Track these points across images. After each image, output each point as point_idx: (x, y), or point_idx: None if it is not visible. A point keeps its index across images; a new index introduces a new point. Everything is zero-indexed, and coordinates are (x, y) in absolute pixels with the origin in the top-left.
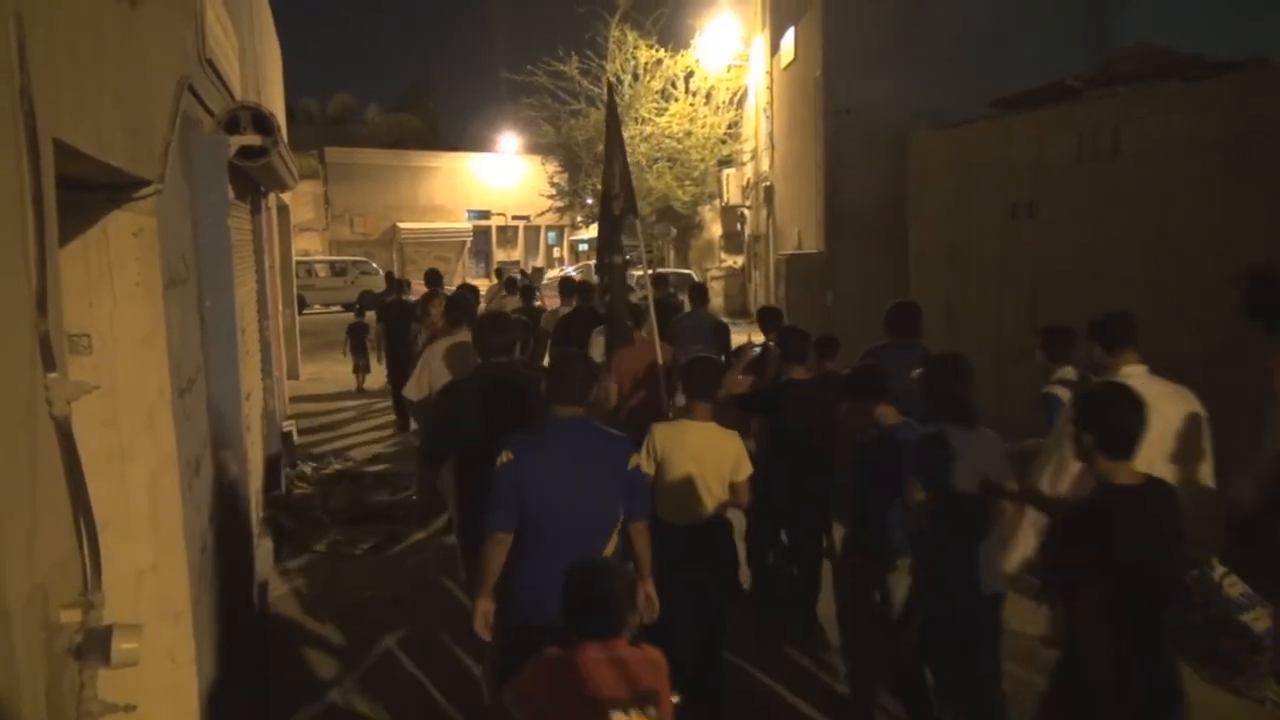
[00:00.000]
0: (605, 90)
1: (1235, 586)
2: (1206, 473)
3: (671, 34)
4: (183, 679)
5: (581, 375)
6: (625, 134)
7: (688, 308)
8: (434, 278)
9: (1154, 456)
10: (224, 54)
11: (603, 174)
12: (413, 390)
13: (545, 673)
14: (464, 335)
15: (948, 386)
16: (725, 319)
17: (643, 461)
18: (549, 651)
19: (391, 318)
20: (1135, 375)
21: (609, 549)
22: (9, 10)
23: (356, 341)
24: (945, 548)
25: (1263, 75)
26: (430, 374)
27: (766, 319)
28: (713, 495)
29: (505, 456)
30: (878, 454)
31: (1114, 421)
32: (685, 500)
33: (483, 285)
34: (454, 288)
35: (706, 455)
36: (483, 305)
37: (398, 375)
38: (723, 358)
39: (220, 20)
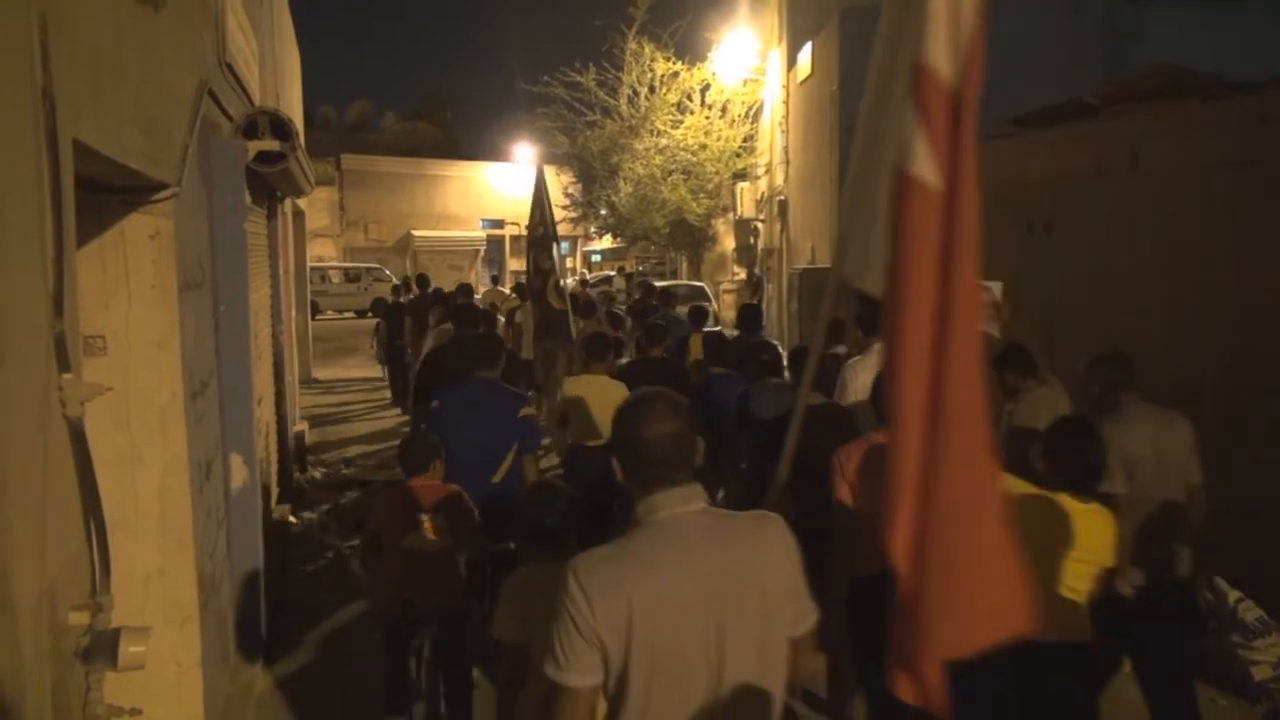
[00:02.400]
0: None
1: (1250, 611)
2: (1201, 493)
3: (688, 47)
4: (189, 683)
5: (494, 349)
6: (640, 145)
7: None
8: (465, 290)
9: (1161, 477)
10: (244, 59)
11: (529, 214)
12: None
13: (388, 496)
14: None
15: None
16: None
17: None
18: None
19: (391, 317)
20: (1131, 404)
21: (500, 474)
22: (33, 11)
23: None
24: None
25: None
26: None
27: (746, 318)
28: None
29: (435, 404)
30: None
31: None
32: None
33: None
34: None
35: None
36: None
37: (394, 363)
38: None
39: (241, 25)
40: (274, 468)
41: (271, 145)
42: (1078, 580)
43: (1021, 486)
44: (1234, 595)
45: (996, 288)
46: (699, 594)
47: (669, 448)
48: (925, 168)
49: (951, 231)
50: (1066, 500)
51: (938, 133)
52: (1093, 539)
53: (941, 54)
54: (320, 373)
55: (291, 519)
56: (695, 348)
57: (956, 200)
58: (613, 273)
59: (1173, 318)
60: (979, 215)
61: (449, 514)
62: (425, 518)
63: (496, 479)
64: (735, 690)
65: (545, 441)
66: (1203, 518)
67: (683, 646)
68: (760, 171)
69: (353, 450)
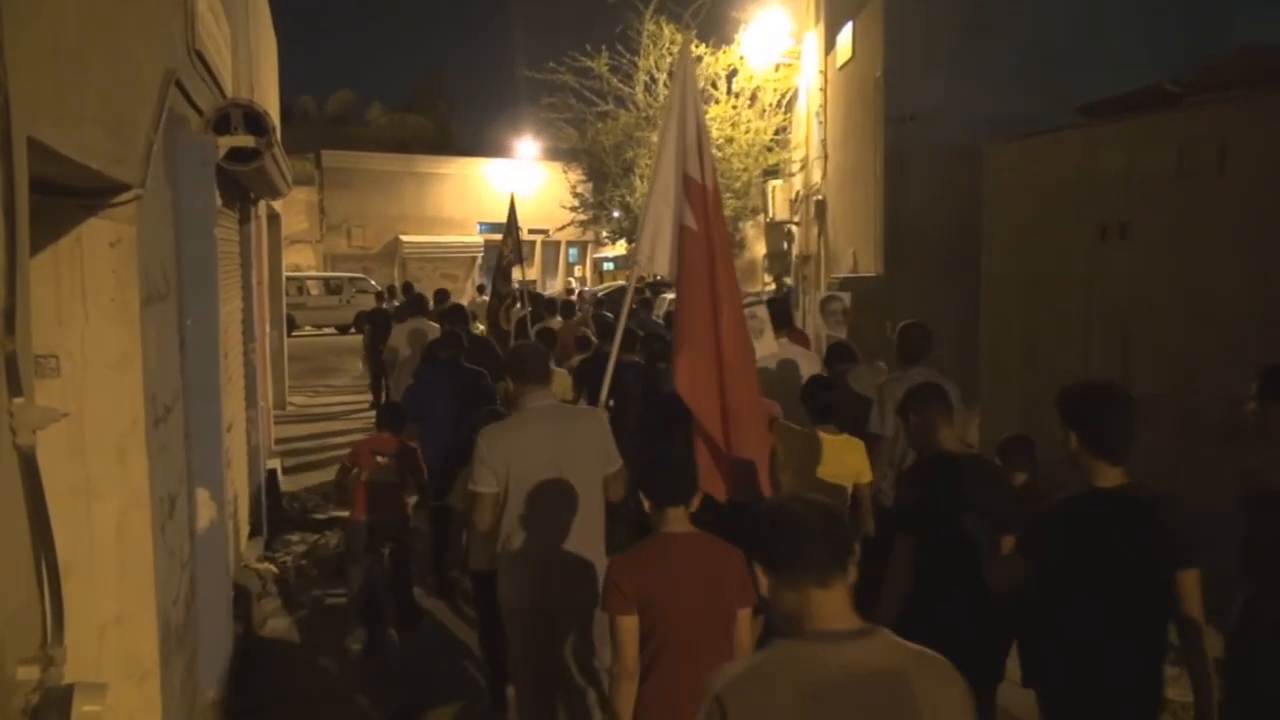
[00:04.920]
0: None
1: None
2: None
3: (713, 28)
4: None
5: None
6: (658, 138)
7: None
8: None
9: None
10: (215, 46)
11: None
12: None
13: (362, 442)
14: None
15: None
16: None
17: None
18: None
19: (376, 324)
20: (916, 371)
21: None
22: None
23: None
24: None
25: None
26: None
27: (776, 311)
28: None
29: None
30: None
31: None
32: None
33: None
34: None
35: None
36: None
37: (378, 370)
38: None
39: (211, 7)
40: (245, 505)
41: (245, 141)
42: (843, 487)
43: (793, 427)
44: None
45: (846, 297)
46: (545, 444)
47: (533, 366)
48: (688, 219)
49: (711, 256)
50: (825, 436)
51: (696, 206)
52: (847, 462)
53: (694, 166)
54: (297, 397)
55: (265, 565)
56: None
57: (710, 238)
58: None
59: (1267, 331)
60: (728, 248)
61: (400, 460)
62: (381, 459)
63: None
64: (571, 496)
65: None
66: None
67: (538, 467)
68: (794, 168)
69: (333, 484)
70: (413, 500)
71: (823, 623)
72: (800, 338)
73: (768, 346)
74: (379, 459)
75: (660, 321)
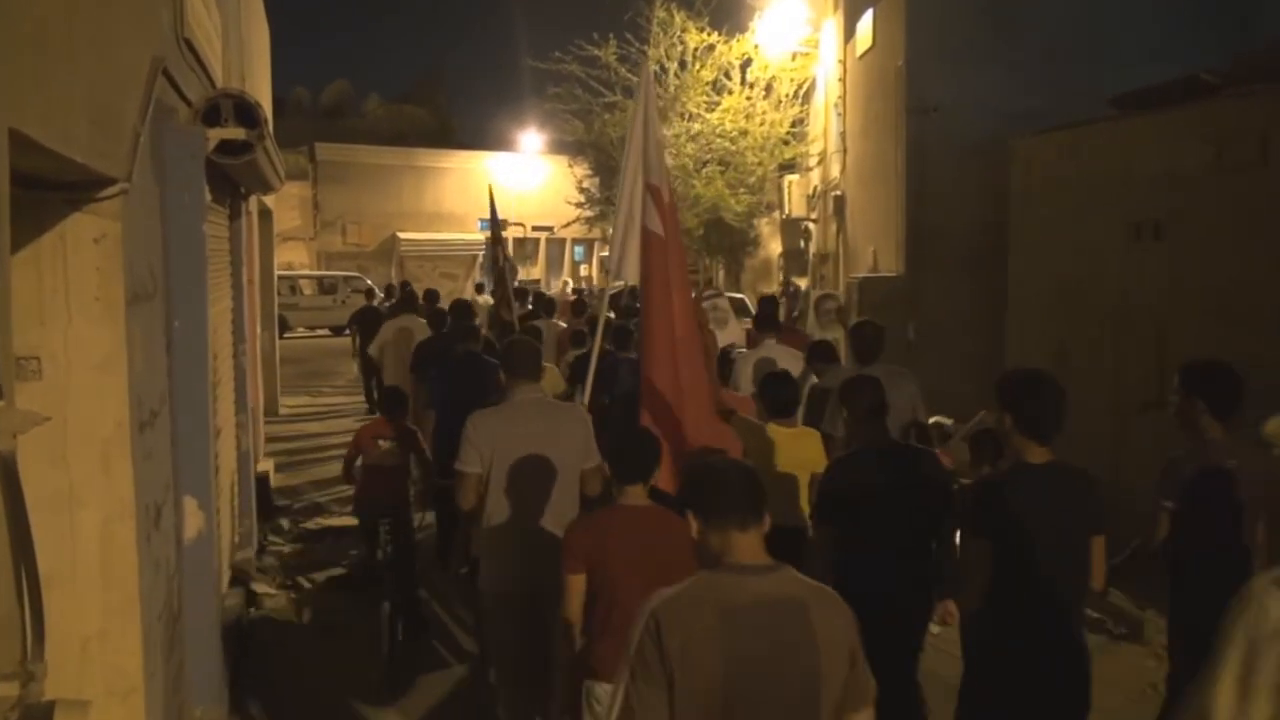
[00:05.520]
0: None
1: None
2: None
3: (726, 15)
4: None
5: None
6: (669, 132)
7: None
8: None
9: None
10: (204, 34)
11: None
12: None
13: (365, 426)
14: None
15: None
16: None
17: None
18: None
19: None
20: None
21: None
22: None
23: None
24: None
25: None
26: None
27: (764, 314)
28: None
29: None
30: None
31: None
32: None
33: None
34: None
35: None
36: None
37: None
38: None
39: None
40: (234, 514)
41: (236, 133)
42: (795, 478)
43: (750, 420)
44: None
45: (840, 296)
46: (529, 435)
47: (526, 361)
48: (655, 224)
49: (668, 259)
50: (776, 429)
51: (660, 211)
52: (799, 452)
53: (656, 174)
54: (289, 401)
55: (254, 575)
56: None
57: (669, 244)
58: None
59: None
60: (684, 252)
61: (402, 442)
62: (383, 443)
63: None
64: (549, 484)
65: None
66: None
67: (520, 455)
68: (812, 162)
69: (326, 495)
70: (414, 488)
71: (740, 558)
72: (796, 338)
73: (731, 335)
74: (380, 443)
75: None
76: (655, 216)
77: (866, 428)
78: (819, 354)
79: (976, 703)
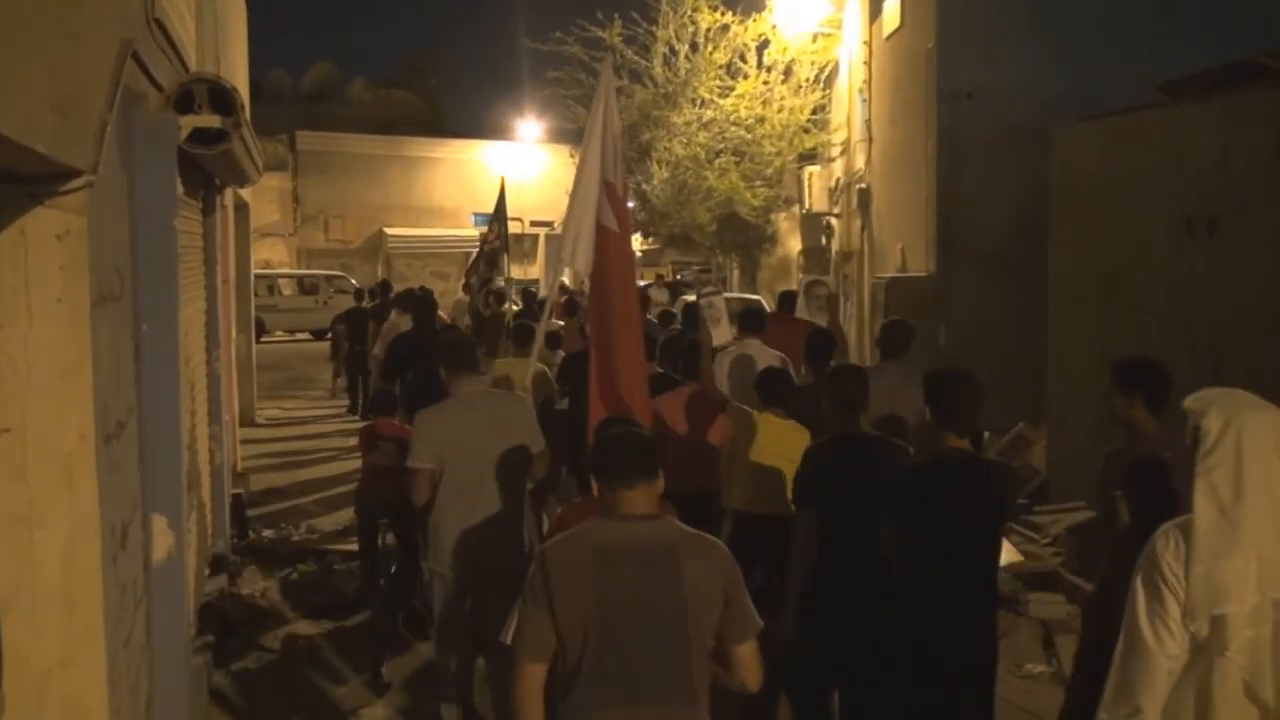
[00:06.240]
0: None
1: None
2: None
3: None
4: None
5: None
6: (679, 118)
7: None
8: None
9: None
10: (177, 13)
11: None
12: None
13: (365, 428)
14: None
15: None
16: None
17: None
18: None
19: (353, 322)
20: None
21: None
22: None
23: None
24: None
25: None
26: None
27: (748, 321)
28: None
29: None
30: None
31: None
32: None
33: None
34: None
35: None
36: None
37: (354, 371)
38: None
39: None
40: (207, 533)
41: (210, 121)
42: (780, 468)
43: (742, 408)
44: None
45: (831, 281)
46: (477, 426)
47: (464, 356)
48: (610, 221)
49: (623, 254)
50: (768, 417)
51: (615, 208)
52: (787, 443)
53: (610, 169)
54: (267, 411)
55: (228, 599)
56: None
57: (623, 238)
58: (647, 282)
59: None
60: (631, 250)
61: (400, 444)
62: (382, 444)
63: None
64: (500, 471)
65: None
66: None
67: (468, 448)
68: (834, 152)
69: (306, 510)
70: None
71: (623, 510)
72: (792, 330)
73: (723, 335)
74: (380, 444)
75: (654, 320)
76: (610, 213)
77: (836, 417)
78: (815, 350)
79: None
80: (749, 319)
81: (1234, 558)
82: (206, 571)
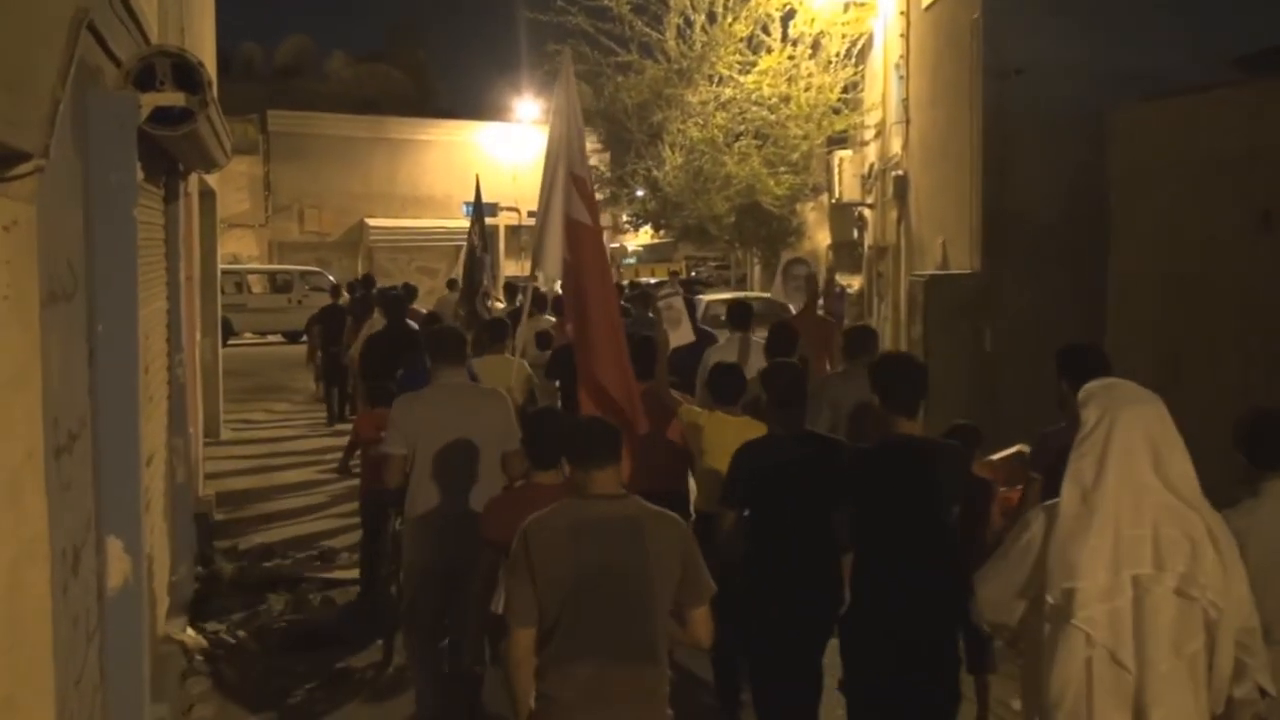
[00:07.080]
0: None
1: None
2: None
3: None
4: None
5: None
6: (694, 97)
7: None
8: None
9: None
10: None
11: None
12: None
13: (365, 416)
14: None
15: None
16: None
17: None
18: None
19: (329, 320)
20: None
21: None
22: None
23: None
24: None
25: None
26: None
27: (736, 316)
28: None
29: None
30: None
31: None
32: None
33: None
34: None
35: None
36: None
37: (331, 372)
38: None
39: None
40: (167, 559)
41: (174, 99)
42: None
43: (693, 408)
44: None
45: (812, 263)
46: (452, 417)
47: (451, 348)
48: (582, 215)
49: (596, 244)
50: (719, 416)
51: (585, 201)
52: (739, 440)
53: (578, 163)
54: (234, 420)
55: (189, 634)
56: None
57: (596, 230)
58: (659, 279)
59: None
60: (602, 241)
61: None
62: (382, 433)
63: None
64: (471, 464)
65: None
66: None
67: (441, 437)
68: (868, 135)
69: (278, 534)
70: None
71: (592, 490)
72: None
73: (684, 336)
74: (381, 434)
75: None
76: (581, 207)
77: (779, 414)
78: (857, 344)
79: (851, 654)
80: (738, 317)
81: (1088, 538)
82: (167, 602)
